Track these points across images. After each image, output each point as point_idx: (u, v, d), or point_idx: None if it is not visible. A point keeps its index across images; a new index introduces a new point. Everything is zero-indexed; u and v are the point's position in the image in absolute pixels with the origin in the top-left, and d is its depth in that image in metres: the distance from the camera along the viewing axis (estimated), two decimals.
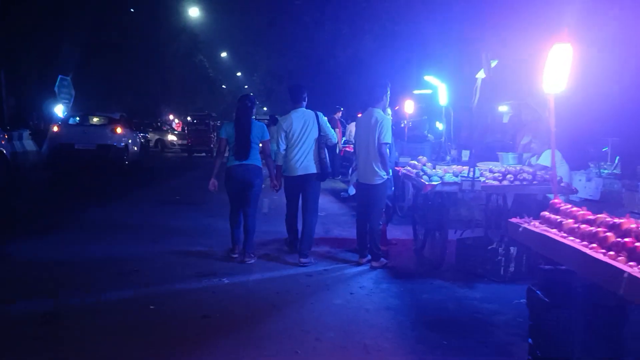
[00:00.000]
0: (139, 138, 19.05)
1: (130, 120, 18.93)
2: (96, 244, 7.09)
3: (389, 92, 6.21)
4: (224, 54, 45.85)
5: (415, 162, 6.64)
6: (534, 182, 5.63)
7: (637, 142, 6.87)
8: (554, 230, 3.33)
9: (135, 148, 18.08)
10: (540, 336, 3.13)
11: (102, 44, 26.05)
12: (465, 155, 8.28)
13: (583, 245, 2.86)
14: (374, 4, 14.79)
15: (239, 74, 54.10)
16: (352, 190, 6.98)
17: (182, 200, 11.23)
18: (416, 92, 11.36)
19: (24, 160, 18.88)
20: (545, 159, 6.63)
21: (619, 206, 6.12)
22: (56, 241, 7.18)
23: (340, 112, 16.49)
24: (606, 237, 2.78)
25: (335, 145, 16.26)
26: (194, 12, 33.80)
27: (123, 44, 27.39)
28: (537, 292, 3.20)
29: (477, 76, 5.52)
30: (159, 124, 34.66)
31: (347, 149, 14.25)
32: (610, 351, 3.00)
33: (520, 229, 3.63)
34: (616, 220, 2.90)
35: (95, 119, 17.52)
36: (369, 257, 6.31)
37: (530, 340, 3.26)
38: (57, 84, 20.34)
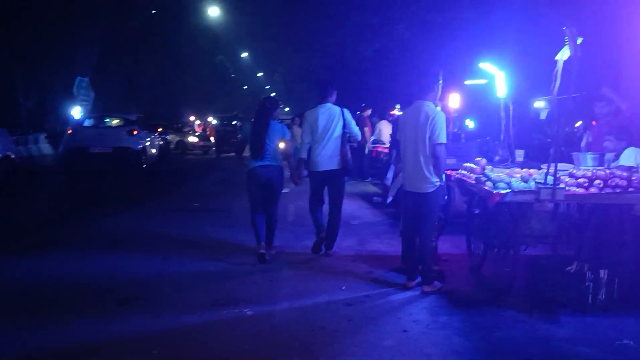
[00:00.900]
0: (158, 140, 18.24)
1: (148, 121, 18.15)
2: (98, 261, 6.15)
3: (441, 82, 5.14)
4: (244, 54, 45.07)
5: (472, 165, 5.56)
6: (630, 190, 4.50)
7: None
8: None
9: (154, 150, 17.30)
10: None
11: (121, 45, 25.41)
12: (520, 155, 7.11)
13: None
14: None
15: (260, 74, 53.28)
16: (390, 199, 5.91)
17: (200, 208, 10.27)
18: (468, 82, 10.23)
19: (40, 163, 18.28)
20: (627, 158, 5.50)
21: None
22: (52, 259, 6.24)
23: (370, 111, 15.42)
24: None
25: (364, 146, 15.43)
26: (213, 12, 33.07)
27: (142, 44, 26.77)
28: None
29: (556, 58, 4.41)
30: (179, 125, 33.86)
31: (378, 149, 13.15)
32: None
33: None
34: None
35: (111, 121, 16.77)
36: (419, 279, 5.25)
37: None
38: (75, 85, 19.65)
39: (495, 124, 11.85)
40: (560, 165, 5.92)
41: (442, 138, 4.91)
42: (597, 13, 5.31)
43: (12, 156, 12.00)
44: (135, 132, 15.63)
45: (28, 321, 4.33)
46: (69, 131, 15.93)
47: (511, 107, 5.97)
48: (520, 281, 5.08)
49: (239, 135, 26.56)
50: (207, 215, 9.43)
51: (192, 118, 38.83)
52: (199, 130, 36.59)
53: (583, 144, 6.86)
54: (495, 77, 5.95)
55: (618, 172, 4.67)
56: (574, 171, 4.91)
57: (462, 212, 6.33)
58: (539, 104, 16.50)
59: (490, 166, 5.54)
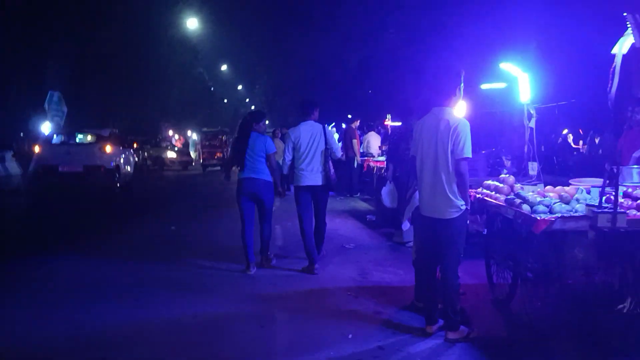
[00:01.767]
0: (133, 157, 17.17)
1: (122, 137, 17.08)
2: (53, 313, 5.08)
3: (462, 85, 4.30)
4: (224, 67, 44.22)
5: (497, 184, 4.71)
6: None
7: None
8: None
9: (129, 168, 16.23)
10: None
11: (95, 57, 24.33)
12: (533, 168, 6.26)
13: None
14: None
15: (240, 87, 52.49)
16: (406, 226, 5.00)
17: (176, 232, 9.27)
18: (485, 86, 9.39)
19: (5, 184, 17.09)
20: None
21: None
22: None
23: (358, 122, 14.61)
24: None
25: (352, 159, 14.59)
26: (192, 24, 32.19)
27: (118, 57, 25.73)
28: None
29: (613, 51, 3.60)
30: (157, 140, 32.73)
31: (370, 162, 12.30)
32: None
33: None
34: None
35: (82, 137, 15.68)
36: (440, 322, 4.36)
37: None
38: (46, 99, 18.55)
39: (501, 133, 11.12)
40: (586, 181, 5.11)
41: (467, 151, 4.05)
42: None
43: None
44: (108, 149, 14.56)
45: None
46: (37, 148, 14.82)
47: (534, 115, 5.15)
48: (562, 320, 4.23)
49: (225, 149, 27.37)
50: (186, 241, 8.45)
51: (170, 132, 37.70)
52: (178, 145, 35.52)
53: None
54: (518, 80, 5.14)
55: None
56: (628, 189, 4.08)
57: (472, 231, 5.50)
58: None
59: (519, 184, 4.68)
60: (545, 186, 5.01)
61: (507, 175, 4.78)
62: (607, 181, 3.62)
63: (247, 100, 58.37)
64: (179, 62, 34.30)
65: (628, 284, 4.12)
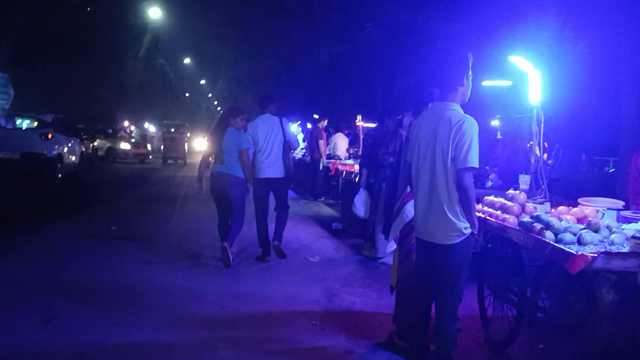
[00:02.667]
0: (80, 146, 15.77)
1: (68, 123, 15.67)
2: None
3: (470, 73, 3.39)
4: (187, 60, 42.59)
5: (503, 201, 3.85)
6: None
7: None
8: None
9: (73, 158, 14.88)
10: None
11: (47, 37, 22.63)
12: (525, 182, 5.42)
13: None
14: None
15: (202, 81, 50.84)
16: (391, 247, 4.05)
17: (117, 234, 8.12)
18: (486, 83, 8.49)
19: None
20: None
21: None
22: None
23: (325, 121, 13.69)
24: None
25: (318, 160, 13.67)
26: (155, 13, 30.64)
27: (73, 39, 24.08)
28: None
29: None
30: (111, 130, 30.84)
31: (338, 165, 11.39)
32: None
33: None
34: None
35: (23, 122, 14.26)
36: None
37: None
38: None
39: (489, 141, 10.33)
40: (597, 201, 4.33)
41: (473, 159, 3.14)
42: None
43: None
44: (50, 136, 13.20)
45: None
46: None
47: (542, 120, 4.31)
48: None
49: (185, 143, 27.54)
50: (125, 245, 7.34)
51: (126, 123, 35.86)
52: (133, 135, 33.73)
53: None
54: (529, 78, 4.30)
55: None
56: None
57: None
58: (495, 122, 15.35)
59: (530, 202, 3.82)
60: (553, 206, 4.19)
61: (518, 191, 3.91)
62: None
63: (210, 95, 56.67)
64: (140, 51, 32.72)
65: None
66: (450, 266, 3.26)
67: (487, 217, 3.86)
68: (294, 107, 15.81)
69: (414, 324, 3.57)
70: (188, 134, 30.88)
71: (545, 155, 19.23)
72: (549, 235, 3.13)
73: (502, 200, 3.87)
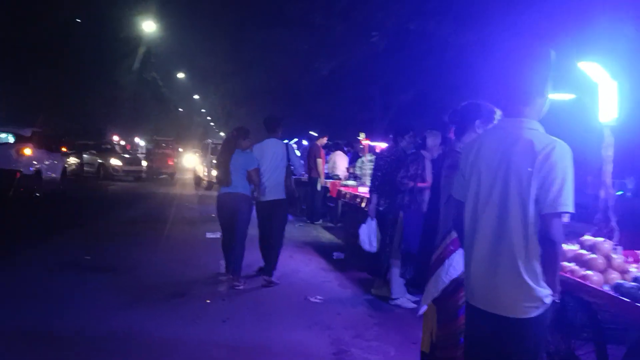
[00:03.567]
0: (62, 162, 14.80)
1: (49, 138, 14.69)
2: None
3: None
4: (180, 75, 41.82)
5: (578, 249, 2.94)
6: None
7: None
8: None
9: (54, 175, 13.92)
10: None
11: (34, 46, 21.71)
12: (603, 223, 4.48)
13: None
14: None
15: (196, 96, 50.11)
16: (422, 310, 3.09)
17: (92, 264, 7.15)
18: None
19: None
20: None
21: None
22: None
23: (325, 139, 12.79)
24: None
25: (315, 180, 12.76)
26: (148, 27, 29.85)
27: (62, 50, 23.25)
28: None
29: None
30: (102, 145, 29.46)
31: (339, 186, 10.49)
32: None
33: None
34: None
35: None
36: None
37: None
38: None
39: None
40: None
41: (567, 203, 2.22)
42: None
43: None
44: (27, 151, 12.25)
45: None
46: None
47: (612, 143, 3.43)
48: None
49: (175, 159, 28.08)
50: (100, 278, 6.36)
51: (115, 138, 34.83)
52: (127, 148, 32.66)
53: None
54: (599, 89, 3.41)
55: None
56: None
57: None
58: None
59: (620, 256, 2.90)
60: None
61: (602, 239, 3.00)
62: None
63: (203, 110, 55.86)
64: (131, 64, 31.90)
65: None
66: (522, 347, 2.33)
67: (581, 284, 2.89)
68: (291, 123, 14.91)
69: None
70: (180, 150, 31.36)
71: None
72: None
73: (575, 248, 2.96)
